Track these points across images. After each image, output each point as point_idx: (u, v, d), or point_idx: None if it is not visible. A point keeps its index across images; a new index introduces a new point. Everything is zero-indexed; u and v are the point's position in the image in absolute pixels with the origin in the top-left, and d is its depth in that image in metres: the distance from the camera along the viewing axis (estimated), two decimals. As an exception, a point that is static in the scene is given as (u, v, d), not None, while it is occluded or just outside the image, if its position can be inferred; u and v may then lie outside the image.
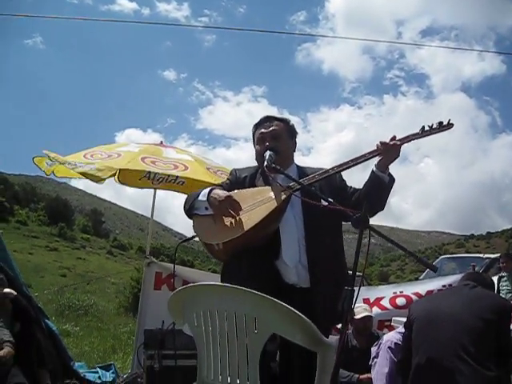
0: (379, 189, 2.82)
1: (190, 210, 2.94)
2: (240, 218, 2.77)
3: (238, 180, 3.10)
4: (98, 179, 4.71)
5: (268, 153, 2.90)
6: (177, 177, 4.64)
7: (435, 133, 2.81)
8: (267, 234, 2.81)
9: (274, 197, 2.81)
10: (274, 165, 2.82)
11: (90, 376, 5.20)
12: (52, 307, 11.89)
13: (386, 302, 5.65)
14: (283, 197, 2.80)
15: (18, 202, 63.71)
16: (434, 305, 3.10)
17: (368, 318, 5.04)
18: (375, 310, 5.54)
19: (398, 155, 2.80)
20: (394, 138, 2.80)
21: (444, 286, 5.69)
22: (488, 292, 3.18)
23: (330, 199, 2.72)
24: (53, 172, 4.90)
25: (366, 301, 5.63)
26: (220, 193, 2.86)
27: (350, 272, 2.51)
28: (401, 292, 5.75)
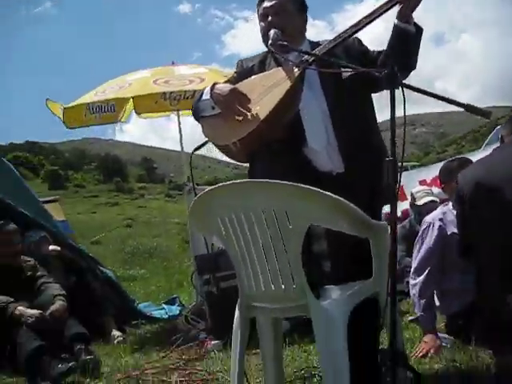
0: (406, 42, 2.37)
1: (195, 112, 2.61)
2: (252, 109, 2.42)
3: (246, 70, 2.71)
4: (116, 120, 4.48)
5: (273, 31, 2.49)
6: (194, 91, 4.26)
7: None
8: (286, 120, 2.45)
9: (285, 77, 2.43)
10: (280, 42, 2.42)
11: (156, 313, 5.15)
12: (120, 256, 12.14)
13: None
14: (296, 74, 2.41)
15: (72, 168, 65.26)
16: (487, 171, 2.59)
17: (432, 204, 4.70)
18: (434, 189, 5.18)
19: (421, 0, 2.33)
20: None
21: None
22: None
23: (349, 65, 2.34)
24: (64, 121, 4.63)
25: (422, 182, 5.28)
26: (223, 87, 2.49)
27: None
28: (457, 165, 5.35)
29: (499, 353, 2.45)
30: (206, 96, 2.53)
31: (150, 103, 4.24)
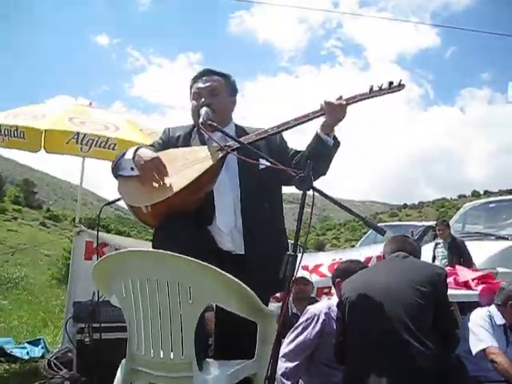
0: (323, 152, 2.63)
1: (115, 169, 2.68)
2: (169, 179, 2.54)
3: (171, 139, 2.86)
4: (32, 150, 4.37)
5: (204, 109, 2.66)
6: (108, 138, 4.29)
7: (384, 94, 2.62)
8: (199, 197, 2.60)
9: (208, 156, 2.59)
10: (210, 121, 2.59)
11: (17, 352, 4.89)
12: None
13: (324, 269, 5.58)
14: (219, 156, 2.58)
15: None
16: (366, 281, 2.91)
17: (305, 282, 4.96)
18: (314, 277, 5.46)
19: (344, 116, 2.60)
20: (340, 98, 2.62)
21: (382, 252, 5.69)
22: (420, 262, 3.05)
23: (270, 159, 2.55)
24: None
25: (304, 268, 5.52)
26: (146, 152, 2.59)
27: (290, 241, 2.37)
28: (340, 259, 5.67)
29: None
30: (129, 156, 2.61)
31: (61, 142, 4.16)
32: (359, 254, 5.83)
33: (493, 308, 4.01)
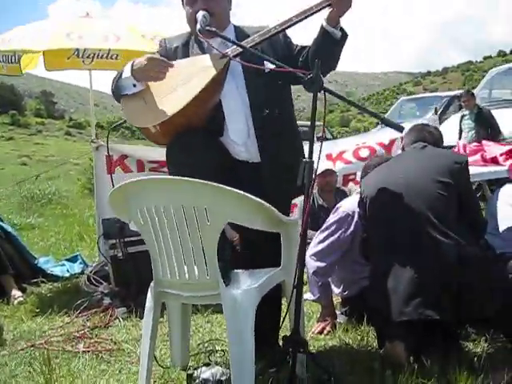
0: (331, 46, 2.45)
1: (116, 91, 2.57)
2: (173, 94, 2.44)
3: (169, 52, 2.69)
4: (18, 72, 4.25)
5: (201, 13, 2.48)
6: (109, 50, 4.12)
7: None
8: (207, 110, 2.50)
9: (210, 65, 2.45)
10: (208, 27, 2.42)
11: (57, 271, 5.05)
12: (14, 201, 11.63)
13: (349, 155, 5.45)
14: (222, 64, 2.44)
15: (-38, 95, 60.60)
16: (386, 177, 2.79)
17: (329, 173, 4.91)
18: (339, 164, 5.38)
19: (351, 5, 2.40)
20: None
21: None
22: (440, 150, 2.90)
23: (275, 61, 2.41)
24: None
25: (328, 156, 5.45)
26: (141, 59, 2.47)
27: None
28: (363, 143, 5.55)
29: (384, 335, 2.69)
30: (127, 74, 2.50)
31: (62, 59, 4.02)
32: (383, 135, 5.68)
33: (522, 183, 3.91)
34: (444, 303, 2.40)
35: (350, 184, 5.48)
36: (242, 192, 1.96)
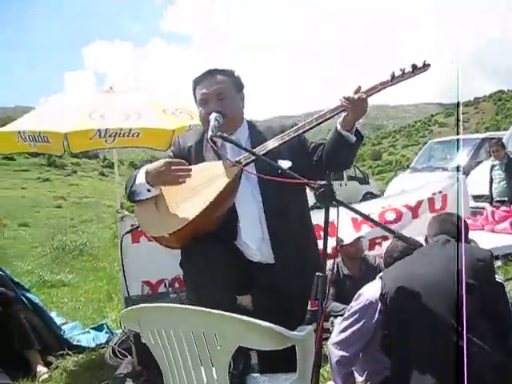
0: (345, 150, 2.46)
1: (131, 196, 2.59)
2: (186, 202, 2.44)
3: (183, 151, 2.71)
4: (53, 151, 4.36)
5: (213, 116, 2.49)
6: (130, 129, 4.19)
7: (408, 78, 2.44)
8: (220, 216, 2.49)
9: (223, 173, 2.46)
10: (219, 133, 2.43)
11: (83, 340, 5.06)
12: (46, 252, 11.79)
13: (374, 219, 5.39)
14: (235, 172, 2.44)
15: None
16: (407, 273, 2.71)
17: (357, 240, 4.83)
18: (365, 228, 5.32)
19: (366, 110, 2.42)
20: (358, 90, 2.40)
21: (434, 193, 5.44)
22: (465, 249, 2.66)
23: (287, 168, 2.42)
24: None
25: (354, 220, 5.39)
26: (155, 163, 2.49)
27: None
28: (389, 206, 5.49)
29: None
30: (141, 180, 2.52)
31: (85, 141, 4.11)
32: (408, 196, 5.59)
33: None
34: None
35: (377, 247, 5.39)
36: (250, 319, 1.94)
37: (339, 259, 4.93)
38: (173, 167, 2.45)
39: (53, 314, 5.38)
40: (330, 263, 4.97)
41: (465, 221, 3.01)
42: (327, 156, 2.49)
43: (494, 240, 4.67)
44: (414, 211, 5.33)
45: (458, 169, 9.76)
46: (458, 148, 12.07)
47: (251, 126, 2.71)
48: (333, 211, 2.14)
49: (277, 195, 2.51)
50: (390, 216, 5.33)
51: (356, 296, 3.23)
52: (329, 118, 2.46)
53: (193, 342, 1.97)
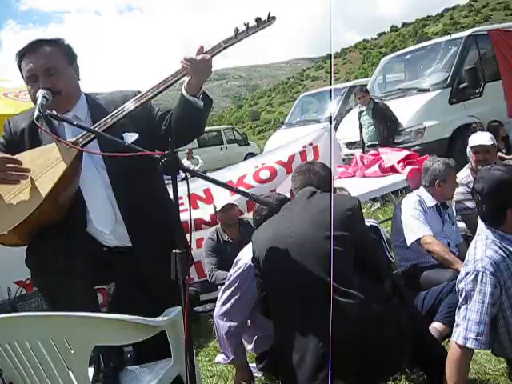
0: (193, 115, 2.26)
1: None
2: (22, 194, 2.14)
3: (15, 136, 2.37)
4: None
5: (40, 93, 2.17)
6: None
7: (254, 32, 2.27)
8: (64, 204, 2.22)
9: (60, 157, 2.16)
10: (48, 112, 2.12)
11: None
12: None
13: (250, 179, 5.24)
14: (73, 155, 2.16)
15: None
16: (276, 233, 2.58)
17: (229, 207, 4.67)
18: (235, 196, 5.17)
19: (210, 72, 2.23)
20: (201, 50, 2.20)
21: (304, 146, 5.41)
22: (328, 198, 2.62)
23: (133, 140, 2.26)
24: None
25: (229, 182, 5.24)
26: None
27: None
28: (263, 164, 5.36)
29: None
30: None
31: None
32: (280, 152, 5.52)
33: (422, 190, 3.88)
34: (353, 368, 2.24)
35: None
36: (101, 315, 1.73)
37: (218, 226, 4.78)
38: (8, 165, 2.12)
39: None
40: (211, 231, 4.90)
41: (327, 169, 2.90)
42: (176, 124, 2.28)
43: (366, 185, 4.70)
44: (288, 166, 5.25)
45: (330, 120, 9.91)
46: (329, 99, 12.28)
47: (90, 99, 2.43)
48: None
49: (126, 172, 2.27)
50: (265, 174, 5.22)
51: (234, 263, 3.10)
52: (172, 83, 2.24)
53: (43, 352, 1.73)
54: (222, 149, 22.40)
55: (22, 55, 2.31)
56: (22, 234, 2.13)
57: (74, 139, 2.18)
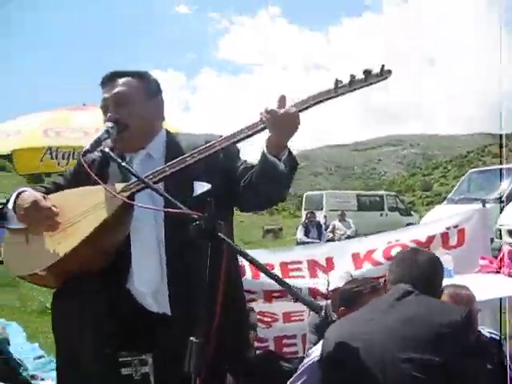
0: (274, 177, 1.88)
1: (2, 219, 2.08)
2: (62, 233, 1.91)
3: (83, 168, 2.19)
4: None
5: (104, 127, 1.98)
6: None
7: (361, 87, 1.82)
8: (108, 252, 1.96)
9: (103, 204, 1.93)
10: (105, 149, 1.89)
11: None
12: None
13: (378, 255, 4.67)
14: (117, 203, 1.90)
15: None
16: (349, 335, 2.07)
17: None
18: (366, 265, 4.63)
19: (297, 128, 1.85)
20: (282, 101, 1.85)
21: (448, 227, 4.71)
22: (425, 307, 2.00)
23: (200, 191, 2.00)
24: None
25: (355, 255, 4.74)
26: (27, 197, 1.99)
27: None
28: (397, 241, 4.76)
29: None
30: (10, 205, 2.02)
31: (35, 161, 3.62)
32: (418, 230, 4.89)
33: None
34: None
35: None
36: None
37: (327, 302, 4.27)
38: (39, 206, 1.96)
39: None
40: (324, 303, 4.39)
41: (437, 262, 2.29)
42: (254, 184, 1.95)
43: (506, 287, 3.83)
44: (424, 247, 4.60)
45: (500, 200, 8.89)
46: (500, 178, 11.13)
47: (170, 138, 2.18)
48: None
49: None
50: (396, 252, 4.63)
51: (309, 352, 2.66)
52: (247, 137, 1.91)
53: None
54: (381, 215, 21.80)
55: (102, 86, 2.14)
56: (56, 275, 1.93)
57: (126, 184, 1.91)
